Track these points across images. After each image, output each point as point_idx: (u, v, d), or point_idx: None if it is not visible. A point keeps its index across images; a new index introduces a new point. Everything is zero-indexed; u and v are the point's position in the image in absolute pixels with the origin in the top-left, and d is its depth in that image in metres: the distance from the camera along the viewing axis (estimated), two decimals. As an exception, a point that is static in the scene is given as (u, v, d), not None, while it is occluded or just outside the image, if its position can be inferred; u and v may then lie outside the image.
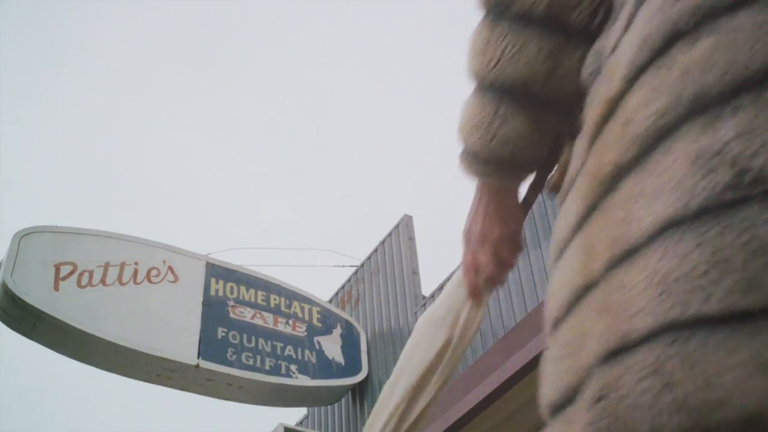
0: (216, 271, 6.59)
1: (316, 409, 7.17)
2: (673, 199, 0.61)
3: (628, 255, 0.63)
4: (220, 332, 6.16)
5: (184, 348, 5.86)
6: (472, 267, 1.04)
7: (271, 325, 6.53)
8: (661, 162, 0.64)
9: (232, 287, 6.58)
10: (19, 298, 5.40)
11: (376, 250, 7.30)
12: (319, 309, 6.97)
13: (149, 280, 6.16)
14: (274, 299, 6.75)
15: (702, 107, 0.63)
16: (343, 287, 7.64)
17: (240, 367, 6.04)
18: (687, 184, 0.61)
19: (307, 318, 6.81)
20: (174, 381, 5.95)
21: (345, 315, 7.09)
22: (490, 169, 0.93)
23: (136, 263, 6.17)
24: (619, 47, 0.75)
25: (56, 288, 5.64)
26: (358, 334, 6.89)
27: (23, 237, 5.78)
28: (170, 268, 6.33)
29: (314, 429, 7.14)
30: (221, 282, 6.55)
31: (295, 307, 6.82)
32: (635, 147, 0.67)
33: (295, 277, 14.64)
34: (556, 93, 0.87)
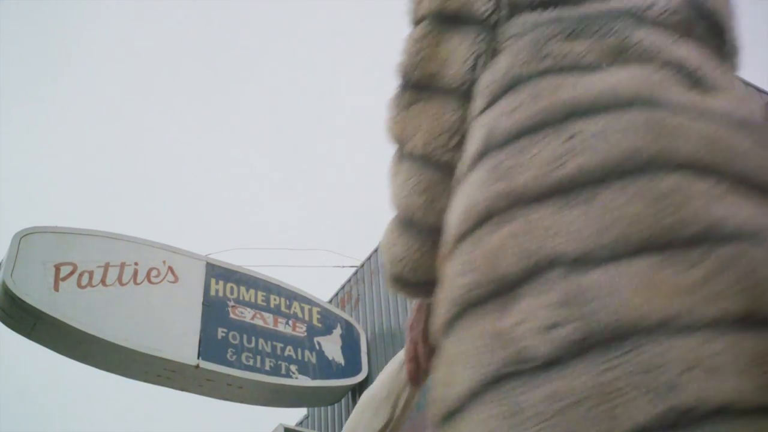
0: (216, 272, 6.59)
1: (316, 409, 7.16)
2: (474, 371, 0.73)
3: (450, 416, 0.75)
4: (220, 332, 6.16)
5: (184, 348, 5.86)
6: (413, 358, 1.16)
7: (271, 326, 6.52)
8: (468, 332, 0.75)
9: (232, 287, 6.57)
10: (19, 299, 5.40)
11: (376, 251, 7.30)
12: (319, 309, 6.97)
13: (149, 281, 6.15)
14: (274, 300, 6.75)
15: (499, 290, 0.74)
16: (343, 287, 7.64)
17: (240, 368, 6.04)
18: (482, 358, 0.73)
19: (307, 318, 6.81)
20: (174, 381, 5.95)
21: (345, 315, 7.09)
22: (411, 291, 1.03)
23: (136, 263, 6.17)
24: (452, 207, 0.86)
25: (56, 288, 5.64)
26: (358, 334, 6.89)
27: (23, 237, 5.78)
28: (170, 269, 6.33)
29: (314, 429, 7.13)
30: (221, 282, 6.54)
31: (295, 308, 6.82)
32: (450, 312, 0.78)
33: (295, 277, 14.64)
34: (441, 223, 0.94)
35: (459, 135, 0.95)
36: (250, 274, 6.85)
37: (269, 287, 6.83)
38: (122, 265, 6.09)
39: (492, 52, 0.95)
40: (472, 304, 0.76)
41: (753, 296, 0.68)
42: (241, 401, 6.32)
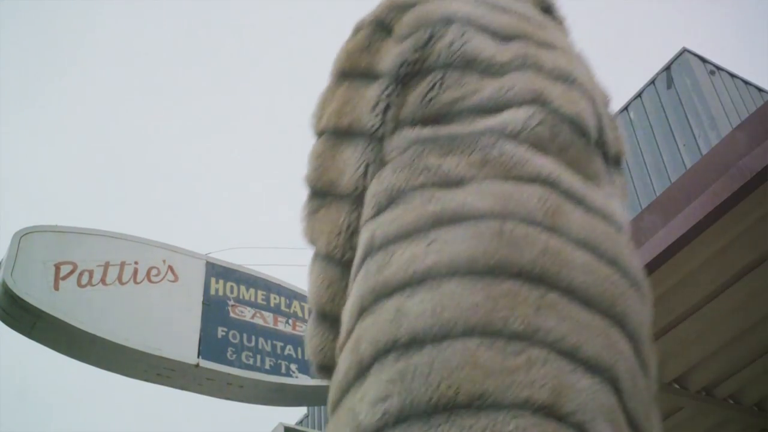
0: (216, 271, 6.59)
1: (316, 408, 7.16)
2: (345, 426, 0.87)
3: None
4: (220, 332, 6.16)
5: (184, 347, 5.86)
6: None
7: (271, 325, 6.52)
8: (341, 411, 0.89)
9: (232, 287, 6.57)
10: (19, 298, 5.39)
11: (376, 250, 7.28)
12: (319, 308, 6.96)
13: (149, 280, 6.15)
14: (274, 298, 6.75)
15: (359, 372, 0.87)
16: (343, 287, 7.62)
17: (240, 367, 6.03)
18: (353, 418, 0.85)
19: (307, 317, 6.79)
20: (174, 380, 5.94)
21: (345, 314, 7.07)
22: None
23: (136, 263, 6.16)
24: (346, 304, 0.99)
25: (56, 287, 5.63)
26: (358, 333, 6.88)
27: (23, 237, 5.77)
28: (170, 268, 6.32)
29: (314, 429, 7.13)
30: (221, 281, 6.54)
31: (295, 307, 6.82)
32: (335, 396, 0.92)
33: (295, 276, 14.61)
34: None
35: (355, 235, 1.07)
36: (250, 273, 6.84)
37: (269, 286, 6.83)
38: (122, 264, 6.09)
39: (380, 161, 1.09)
40: (347, 388, 0.89)
41: (556, 394, 0.80)
42: (241, 400, 6.31)
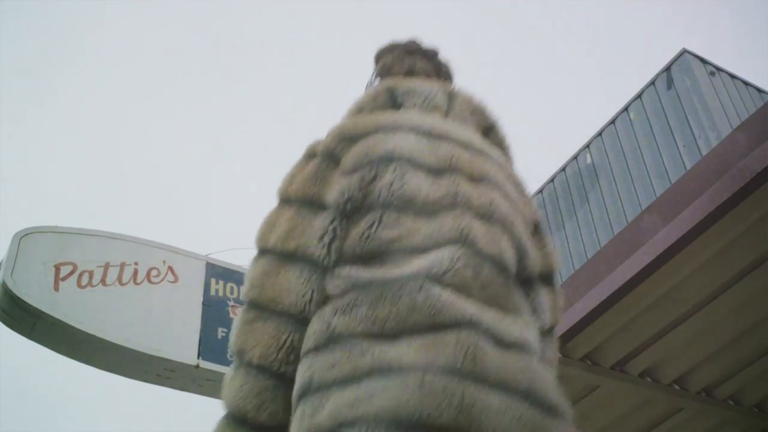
0: (216, 271, 6.58)
1: (316, 409, 7.14)
2: None
3: None
4: (220, 332, 6.15)
5: (184, 348, 5.85)
6: None
7: (271, 325, 6.51)
8: None
9: (232, 287, 6.57)
10: (19, 299, 5.39)
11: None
12: (319, 309, 6.96)
13: (149, 280, 6.15)
14: (274, 299, 6.74)
15: None
16: (343, 287, 7.61)
17: (240, 367, 6.03)
18: None
19: (307, 318, 6.79)
20: (174, 381, 5.94)
21: (345, 315, 7.07)
22: None
23: (136, 263, 6.16)
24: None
25: (56, 288, 5.63)
26: (358, 334, 6.87)
27: (23, 237, 5.77)
28: (170, 268, 6.32)
29: (314, 429, 7.11)
30: (221, 282, 6.54)
31: (295, 307, 6.81)
32: None
33: (295, 277, 14.58)
34: (271, 422, 1.14)
35: (295, 353, 1.15)
36: (250, 273, 6.83)
37: (269, 287, 6.81)
38: (122, 265, 6.09)
39: (323, 291, 1.17)
40: None
41: None
42: (241, 401, 6.31)
